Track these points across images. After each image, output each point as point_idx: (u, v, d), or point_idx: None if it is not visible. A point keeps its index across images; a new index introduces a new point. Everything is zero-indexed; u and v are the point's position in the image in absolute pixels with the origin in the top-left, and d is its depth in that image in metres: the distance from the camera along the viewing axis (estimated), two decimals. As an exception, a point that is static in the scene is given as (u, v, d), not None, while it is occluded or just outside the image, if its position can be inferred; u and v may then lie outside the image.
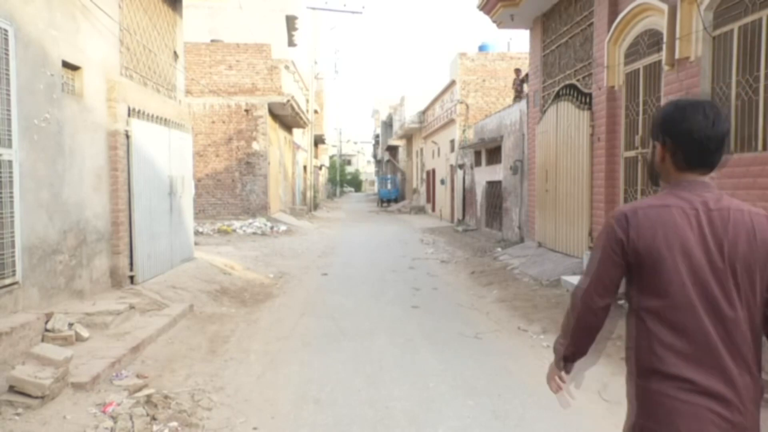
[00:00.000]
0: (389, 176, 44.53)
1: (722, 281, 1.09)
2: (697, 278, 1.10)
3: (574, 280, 7.05)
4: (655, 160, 1.22)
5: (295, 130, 25.35)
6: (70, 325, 4.41)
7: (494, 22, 9.97)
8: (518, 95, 14.20)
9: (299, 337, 5.26)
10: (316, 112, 30.43)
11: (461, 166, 18.85)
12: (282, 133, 21.52)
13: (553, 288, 7.25)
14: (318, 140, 36.08)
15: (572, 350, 1.36)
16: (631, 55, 6.88)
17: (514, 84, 14.65)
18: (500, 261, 9.95)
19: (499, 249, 11.30)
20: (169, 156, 7.50)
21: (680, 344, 1.09)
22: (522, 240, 11.47)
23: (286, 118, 19.95)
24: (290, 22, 22.22)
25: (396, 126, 37.04)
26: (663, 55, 6.06)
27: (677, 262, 1.11)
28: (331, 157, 61.31)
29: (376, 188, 67.18)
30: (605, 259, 1.22)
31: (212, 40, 17.98)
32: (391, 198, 37.90)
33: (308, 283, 8.31)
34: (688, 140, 1.18)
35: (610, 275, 1.21)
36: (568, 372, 1.42)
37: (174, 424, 3.22)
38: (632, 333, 1.16)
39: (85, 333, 4.49)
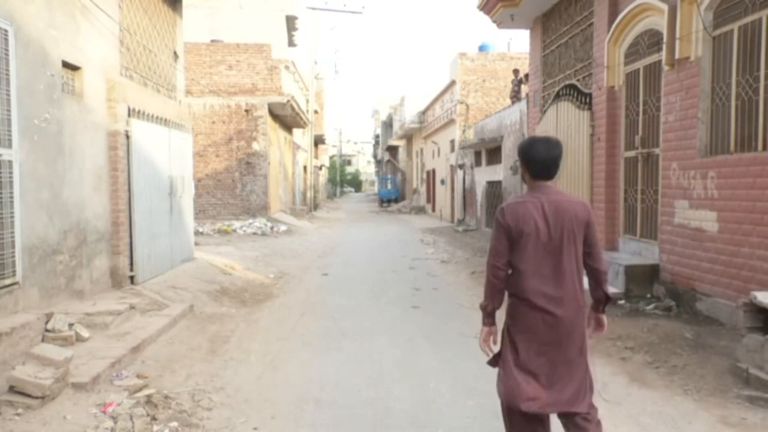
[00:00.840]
0: (389, 176, 44.53)
1: (555, 242, 2.27)
2: (541, 242, 2.27)
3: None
4: (522, 173, 2.39)
5: (295, 130, 25.36)
6: (71, 325, 4.41)
7: (494, 22, 9.97)
8: (515, 96, 14.21)
9: (299, 337, 5.26)
10: (316, 112, 30.46)
11: (461, 166, 18.86)
12: (282, 134, 21.54)
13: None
14: (318, 140, 36.08)
15: (492, 306, 2.41)
16: (632, 55, 6.87)
17: (512, 85, 14.70)
18: None
19: None
20: (169, 156, 7.49)
21: (532, 279, 2.25)
22: None
23: (286, 119, 19.97)
24: (290, 22, 22.23)
25: (396, 126, 37.07)
26: (663, 55, 6.06)
27: (531, 233, 2.28)
28: (331, 158, 61.29)
29: (376, 188, 67.20)
30: (498, 236, 2.35)
31: (212, 40, 17.99)
32: (392, 198, 37.92)
33: (308, 283, 8.30)
34: (534, 161, 2.31)
35: (502, 245, 2.33)
36: (493, 324, 2.43)
37: (174, 424, 3.22)
38: (513, 275, 2.34)
39: (85, 333, 4.49)
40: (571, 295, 2.40)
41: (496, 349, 2.48)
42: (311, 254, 11.69)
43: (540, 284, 2.38)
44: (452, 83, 21.13)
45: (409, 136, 35.42)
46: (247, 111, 16.99)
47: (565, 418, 2.40)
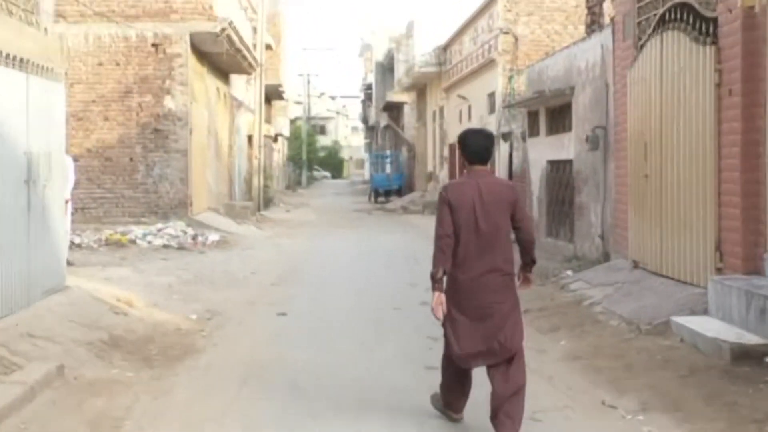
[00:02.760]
0: (388, 153, 44.69)
1: (486, 218, 4.59)
2: (474, 217, 4.58)
3: (693, 322, 7.10)
4: (460, 159, 4.82)
5: (234, 79, 25.36)
6: None
7: None
8: (594, 23, 14.20)
9: (239, 421, 5.23)
10: (269, 48, 30.57)
11: (506, 137, 18.75)
12: (213, 83, 21.51)
13: (658, 336, 7.25)
14: (273, 94, 36.09)
15: (442, 273, 4.54)
16: (786, -47, 6.87)
17: (587, 4, 14.60)
18: (571, 292, 10.06)
19: (570, 272, 11.42)
20: (26, 120, 7.48)
21: (465, 249, 4.55)
22: (607, 257, 11.55)
23: (221, 59, 19.89)
24: None
25: (400, 71, 37.22)
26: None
27: (466, 209, 4.59)
28: (293, 122, 61.49)
29: (366, 173, 67.42)
30: (442, 209, 4.65)
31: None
32: (391, 188, 38.13)
33: (255, 328, 8.34)
34: (471, 149, 4.77)
35: (447, 218, 4.59)
36: (442, 290, 4.57)
37: None
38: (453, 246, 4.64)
39: None
40: (500, 263, 4.67)
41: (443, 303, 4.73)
42: (260, 281, 11.62)
43: (474, 253, 4.65)
44: (490, 1, 21.17)
45: (420, 87, 35.31)
46: (156, 46, 16.92)
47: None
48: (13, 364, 5.82)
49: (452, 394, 5.00)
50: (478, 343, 4.64)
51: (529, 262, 4.93)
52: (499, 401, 4.63)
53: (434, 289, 4.64)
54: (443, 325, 4.76)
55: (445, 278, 4.68)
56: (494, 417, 4.64)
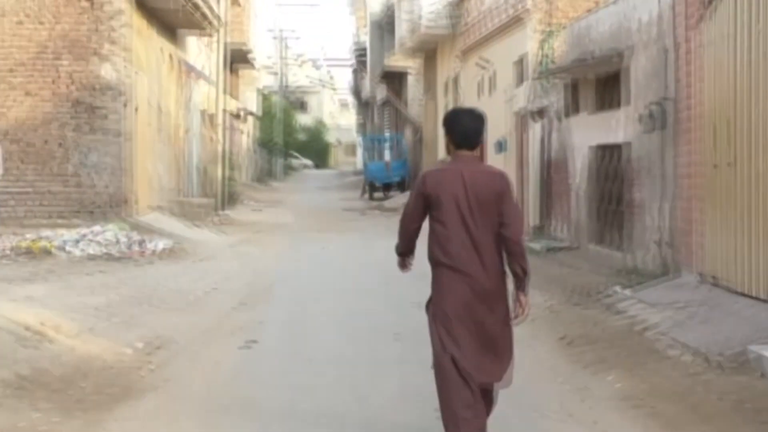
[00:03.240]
0: (387, 136, 44.50)
1: (472, 211, 5.09)
2: (459, 210, 5.11)
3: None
4: (446, 143, 5.48)
5: (187, 39, 25.16)
6: None
7: None
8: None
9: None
10: (234, 1, 30.39)
11: (539, 114, 18.81)
12: (162, 46, 21.47)
13: (734, 370, 7.25)
14: (238, 59, 35.85)
15: (405, 250, 5.73)
16: None
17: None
18: (622, 315, 10.06)
19: (621, 289, 11.43)
20: None
21: (449, 246, 5.12)
22: (669, 270, 11.61)
23: (168, 15, 19.90)
24: None
25: (402, 30, 37.06)
26: None
27: (449, 201, 5.12)
28: (264, 96, 61.20)
29: (358, 160, 66.87)
30: (416, 203, 5.36)
31: None
32: (391, 180, 38.23)
33: (214, 363, 8.34)
34: (458, 131, 5.30)
35: (418, 209, 5.35)
36: (410, 263, 5.83)
37: None
38: (430, 241, 5.26)
39: None
40: (489, 263, 5.15)
41: (411, 269, 5.91)
42: (221, 302, 11.69)
43: (458, 250, 5.15)
44: (519, -59, 21.12)
45: (428, 51, 35.39)
46: (90, 0, 16.86)
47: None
48: None
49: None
50: (466, 353, 5.17)
51: (517, 272, 5.17)
52: None
53: (401, 260, 5.89)
54: (403, 265, 5.92)
55: (410, 253, 5.78)
56: None
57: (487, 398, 5.20)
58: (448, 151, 5.42)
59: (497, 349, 5.19)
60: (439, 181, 5.20)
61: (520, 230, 5.34)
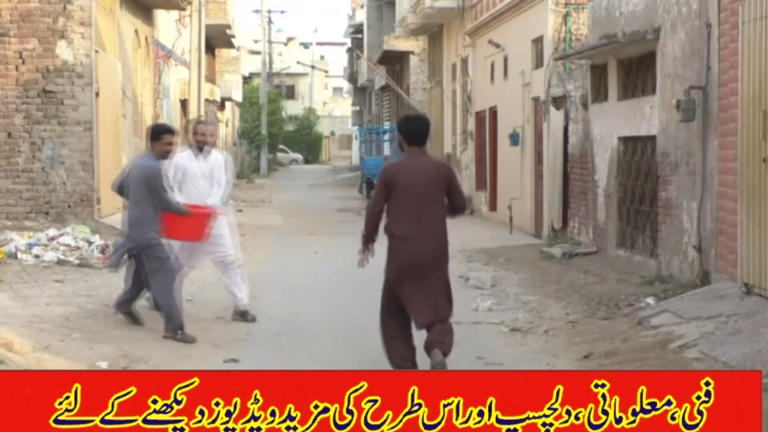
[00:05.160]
0: (387, 126, 44.55)
1: (423, 193, 8.59)
2: (412, 192, 8.56)
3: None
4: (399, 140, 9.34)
5: (160, 17, 25.20)
6: None
7: None
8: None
9: None
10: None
11: (559, 102, 18.96)
12: (130, 23, 21.77)
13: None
14: (218, 40, 36.24)
15: (369, 237, 8.84)
16: None
17: None
18: (653, 329, 10.24)
19: (651, 300, 11.70)
20: None
21: (402, 220, 8.56)
22: (706, 278, 11.77)
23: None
24: None
25: (404, 6, 37.41)
26: None
27: (404, 186, 8.56)
28: (247, 81, 61.20)
29: (355, 154, 67.31)
30: (380, 190, 8.79)
31: None
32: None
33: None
34: (411, 132, 8.84)
35: (382, 197, 8.67)
36: (371, 251, 8.86)
37: None
38: (388, 218, 8.74)
39: None
40: (434, 234, 8.22)
41: (370, 261, 8.65)
42: (199, 313, 11.82)
43: (410, 224, 8.10)
44: None
45: (434, 31, 35.66)
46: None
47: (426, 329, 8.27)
48: None
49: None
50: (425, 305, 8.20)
51: (452, 211, 8.50)
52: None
53: (363, 247, 8.48)
54: (363, 264, 8.65)
55: (373, 239, 8.40)
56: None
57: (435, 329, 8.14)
58: (401, 149, 8.46)
59: (435, 300, 8.17)
60: (395, 170, 8.24)
61: (465, 202, 8.97)
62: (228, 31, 36.30)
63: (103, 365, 8.70)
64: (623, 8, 15.13)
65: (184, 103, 28.47)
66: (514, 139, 22.70)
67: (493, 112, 25.77)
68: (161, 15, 25.71)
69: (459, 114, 31.36)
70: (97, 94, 17.38)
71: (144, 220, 9.98)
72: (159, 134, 10.42)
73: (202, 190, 11.21)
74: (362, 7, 56.06)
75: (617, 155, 15.51)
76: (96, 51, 17.49)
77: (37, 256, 14.71)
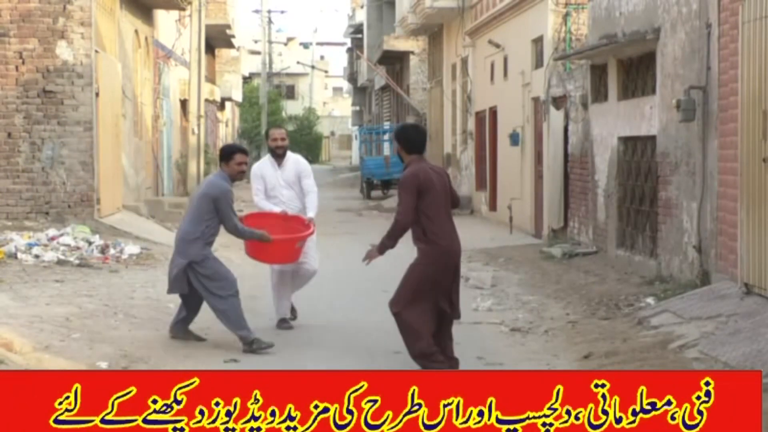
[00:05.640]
0: (387, 126, 44.41)
1: (444, 195, 9.28)
2: (437, 195, 9.17)
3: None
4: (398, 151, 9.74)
5: (160, 17, 25.12)
6: None
7: None
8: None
9: None
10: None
11: (559, 102, 18.93)
12: (130, 24, 21.79)
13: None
14: (218, 40, 36.03)
15: (393, 245, 9.08)
16: None
17: None
18: (653, 329, 10.26)
19: (651, 300, 11.75)
20: None
21: (437, 221, 9.07)
22: (706, 278, 11.80)
23: (139, -13, 20.26)
24: None
25: (404, 6, 37.24)
26: None
27: (435, 190, 9.14)
28: (247, 81, 61.12)
29: (355, 154, 67.26)
30: (411, 197, 9.01)
31: None
32: (391, 177, 38.11)
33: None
34: (411, 141, 9.39)
35: (414, 204, 8.97)
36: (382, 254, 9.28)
37: None
38: (424, 221, 9.02)
39: None
40: (456, 233, 8.88)
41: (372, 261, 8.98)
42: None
43: (444, 225, 8.67)
44: None
45: (434, 31, 35.67)
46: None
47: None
48: None
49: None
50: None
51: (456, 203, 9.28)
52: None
53: (379, 252, 8.74)
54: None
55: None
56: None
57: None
58: (401, 158, 8.90)
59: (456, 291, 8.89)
60: (423, 177, 8.54)
61: (459, 198, 9.87)
62: (228, 31, 36.14)
63: (103, 365, 8.69)
64: (623, 8, 15.14)
65: (184, 103, 28.36)
66: (514, 139, 22.67)
67: (493, 112, 25.80)
68: (161, 15, 25.50)
69: (459, 114, 31.34)
70: (97, 94, 17.31)
71: (200, 238, 9.65)
72: (230, 154, 10.22)
73: (286, 199, 11.12)
74: (362, 7, 55.90)
75: (617, 155, 15.54)
76: (96, 51, 17.44)
77: (37, 256, 14.72)
